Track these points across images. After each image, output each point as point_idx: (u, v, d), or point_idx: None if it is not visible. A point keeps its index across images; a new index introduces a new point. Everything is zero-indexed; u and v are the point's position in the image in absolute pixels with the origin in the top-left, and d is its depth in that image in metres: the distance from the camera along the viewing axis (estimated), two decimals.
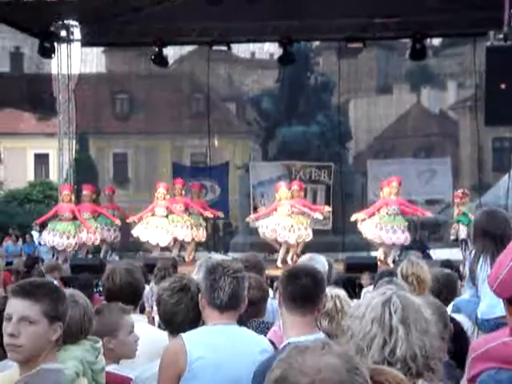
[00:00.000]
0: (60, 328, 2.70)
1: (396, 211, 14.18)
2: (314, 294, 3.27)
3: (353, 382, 1.60)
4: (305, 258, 5.70)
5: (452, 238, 14.42)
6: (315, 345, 1.67)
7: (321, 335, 3.33)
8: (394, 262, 14.46)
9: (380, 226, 14.21)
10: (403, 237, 14.18)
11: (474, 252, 5.12)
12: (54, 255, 15.70)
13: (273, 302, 5.52)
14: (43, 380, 2.58)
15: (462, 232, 13.88)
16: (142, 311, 6.31)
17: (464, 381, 3.21)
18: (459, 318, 4.53)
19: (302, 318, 3.23)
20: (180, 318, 3.40)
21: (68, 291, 3.57)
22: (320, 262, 5.39)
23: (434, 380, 2.22)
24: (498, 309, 4.47)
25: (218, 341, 3.18)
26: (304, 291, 3.23)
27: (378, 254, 14.53)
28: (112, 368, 3.58)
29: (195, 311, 3.37)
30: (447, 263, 7.41)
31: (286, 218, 14.12)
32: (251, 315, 4.35)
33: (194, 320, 3.35)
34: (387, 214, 14.16)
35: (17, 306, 2.67)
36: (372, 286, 6.81)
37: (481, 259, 5.00)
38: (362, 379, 1.63)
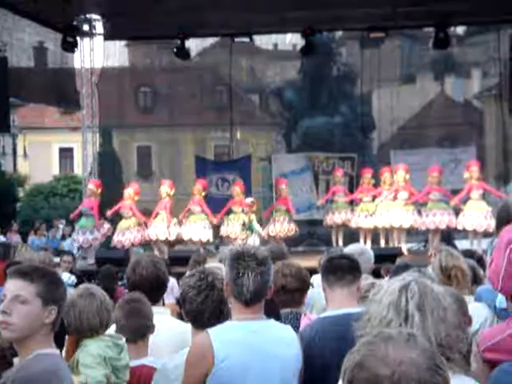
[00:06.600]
0: (54, 312, 2.73)
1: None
2: (350, 268, 3.70)
3: (433, 380, 1.57)
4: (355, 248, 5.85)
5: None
6: (400, 335, 1.65)
7: (360, 309, 3.43)
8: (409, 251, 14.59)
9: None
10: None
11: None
12: (78, 250, 15.75)
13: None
14: (40, 364, 2.64)
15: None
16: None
17: (476, 373, 3.17)
18: (481, 306, 4.48)
19: (341, 291, 3.63)
20: (207, 314, 3.35)
21: (84, 285, 3.63)
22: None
23: (449, 369, 2.19)
24: None
25: (245, 339, 3.11)
26: (341, 265, 3.69)
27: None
28: (147, 361, 3.62)
29: (222, 307, 3.32)
30: (468, 253, 7.33)
31: None
32: (285, 303, 4.30)
33: (221, 315, 3.31)
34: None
35: (12, 286, 2.74)
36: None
37: None
38: (442, 379, 1.59)
